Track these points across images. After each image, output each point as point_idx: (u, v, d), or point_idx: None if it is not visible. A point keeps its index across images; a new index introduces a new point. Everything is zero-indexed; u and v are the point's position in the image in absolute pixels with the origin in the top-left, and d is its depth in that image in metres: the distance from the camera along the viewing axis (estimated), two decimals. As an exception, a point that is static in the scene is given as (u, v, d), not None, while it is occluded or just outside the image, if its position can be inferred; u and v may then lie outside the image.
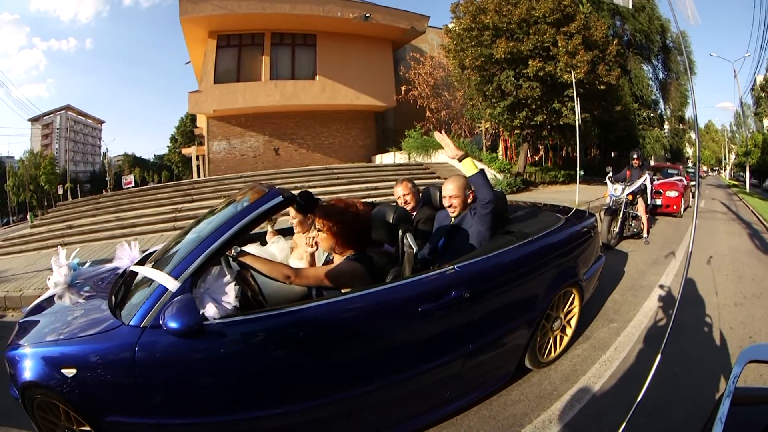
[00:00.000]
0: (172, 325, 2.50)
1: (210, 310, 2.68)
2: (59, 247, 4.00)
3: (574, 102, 15.90)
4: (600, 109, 20.11)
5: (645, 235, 9.68)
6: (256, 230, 5.19)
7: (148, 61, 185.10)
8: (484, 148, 25.56)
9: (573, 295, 4.55)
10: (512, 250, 3.81)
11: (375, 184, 19.96)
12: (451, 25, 21.64)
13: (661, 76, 37.01)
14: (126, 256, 3.90)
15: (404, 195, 5.04)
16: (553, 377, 4.07)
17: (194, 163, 41.38)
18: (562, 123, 19.00)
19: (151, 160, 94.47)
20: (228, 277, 2.86)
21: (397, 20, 29.63)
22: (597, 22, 19.59)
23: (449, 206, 4.31)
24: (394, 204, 4.69)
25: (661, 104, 38.27)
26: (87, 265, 3.90)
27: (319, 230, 3.35)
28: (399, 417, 3.30)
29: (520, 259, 3.86)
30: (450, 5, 21.07)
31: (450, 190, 4.30)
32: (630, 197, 9.56)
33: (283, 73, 29.48)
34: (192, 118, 57.38)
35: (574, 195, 14.64)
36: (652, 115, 36.35)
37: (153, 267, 3.11)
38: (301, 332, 2.83)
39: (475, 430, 3.40)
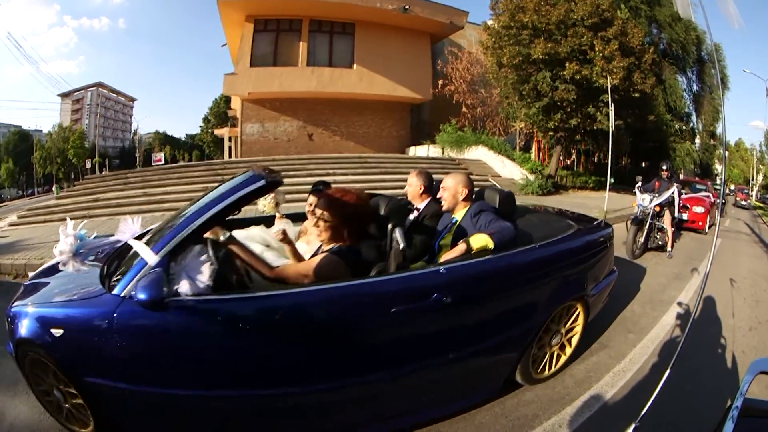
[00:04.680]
0: (140, 296, 2.63)
1: (183, 287, 2.79)
2: (67, 218, 4.18)
3: (608, 107, 15.59)
4: (633, 118, 19.78)
5: (669, 248, 9.51)
6: (268, 212, 5.37)
7: (183, 42, 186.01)
8: (517, 147, 25.49)
9: (577, 311, 4.33)
10: (509, 256, 3.62)
11: (407, 176, 19.43)
12: (489, 22, 21.53)
13: (695, 88, 36.03)
14: (128, 230, 4.02)
15: (413, 185, 4.85)
16: (567, 382, 4.13)
17: (226, 144, 41.93)
18: (595, 128, 18.80)
19: (183, 138, 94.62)
20: (204, 257, 2.97)
21: (436, 14, 29.61)
22: (634, 29, 19.25)
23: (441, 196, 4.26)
24: (391, 197, 4.45)
25: (694, 117, 37.46)
26: (93, 236, 4.16)
27: (318, 219, 3.34)
28: (365, 417, 3.30)
29: (518, 266, 3.69)
30: (489, 2, 21.03)
31: (444, 181, 4.25)
32: (657, 209, 9.47)
33: (321, 60, 29.66)
34: (226, 100, 57.56)
35: (603, 202, 14.23)
36: (684, 127, 35.69)
37: (146, 242, 3.23)
38: (262, 318, 2.86)
39: (486, 427, 3.46)
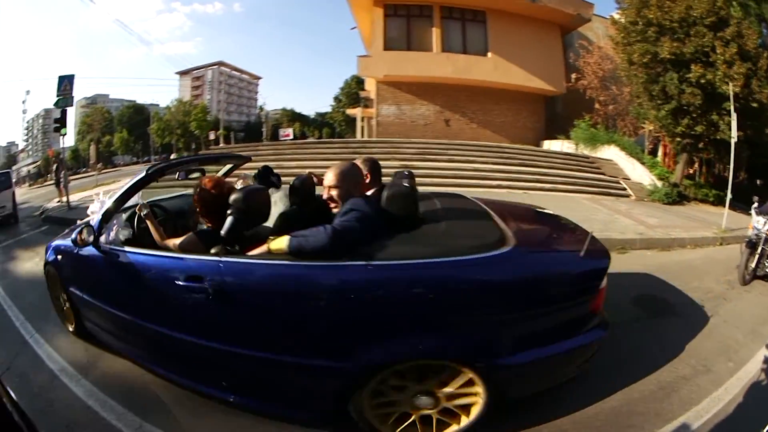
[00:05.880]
0: (72, 236, 4.28)
1: (103, 238, 4.17)
2: (101, 189, 6.34)
3: (729, 116, 14.59)
4: (752, 129, 17.74)
5: None
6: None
7: (308, 22, 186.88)
8: (646, 150, 24.63)
9: (469, 378, 3.17)
10: (306, 267, 3.14)
11: (544, 170, 20.46)
12: (616, 16, 20.84)
13: (805, 99, 32.57)
14: (134, 200, 5.15)
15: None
16: (673, 399, 4.25)
17: (359, 123, 42.85)
18: (718, 137, 17.57)
19: (312, 116, 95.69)
20: (115, 221, 4.37)
21: (564, 5, 29.36)
22: (748, 29, 17.72)
23: (329, 199, 3.63)
24: (255, 187, 4.22)
25: (806, 132, 33.89)
26: None
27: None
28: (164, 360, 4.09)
29: (316, 282, 3.15)
30: (616, -5, 20.30)
31: (328, 179, 3.59)
32: None
33: (455, 46, 29.83)
34: (358, 81, 59.63)
35: (721, 219, 13.44)
36: (797, 143, 32.59)
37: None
38: (121, 266, 3.97)
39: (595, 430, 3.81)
